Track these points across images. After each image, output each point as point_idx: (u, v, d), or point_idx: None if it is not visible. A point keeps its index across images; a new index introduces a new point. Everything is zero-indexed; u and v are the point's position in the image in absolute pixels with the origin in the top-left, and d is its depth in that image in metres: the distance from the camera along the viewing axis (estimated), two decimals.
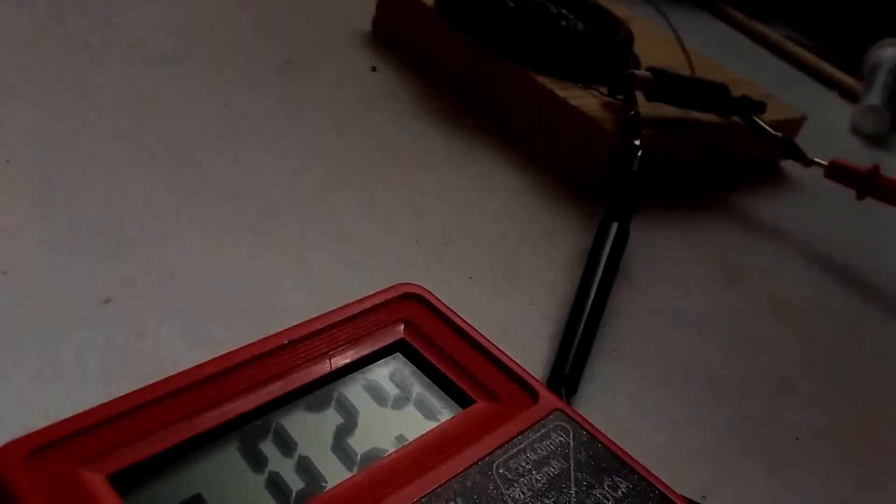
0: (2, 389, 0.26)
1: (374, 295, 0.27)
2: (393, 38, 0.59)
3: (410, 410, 0.24)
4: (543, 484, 0.22)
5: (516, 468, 0.22)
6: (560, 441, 0.23)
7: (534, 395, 0.25)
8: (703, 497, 0.31)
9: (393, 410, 0.24)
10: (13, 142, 0.38)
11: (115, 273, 0.32)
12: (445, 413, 0.24)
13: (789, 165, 0.60)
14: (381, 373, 0.25)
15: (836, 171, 0.51)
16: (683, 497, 0.24)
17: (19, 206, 0.34)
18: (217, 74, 0.48)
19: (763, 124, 0.52)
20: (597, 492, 0.22)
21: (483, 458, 0.22)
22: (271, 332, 0.25)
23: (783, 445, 0.35)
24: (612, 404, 0.34)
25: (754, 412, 0.36)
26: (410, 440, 0.23)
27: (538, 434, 0.23)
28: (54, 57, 0.45)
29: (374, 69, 0.55)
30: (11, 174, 0.36)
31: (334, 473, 0.22)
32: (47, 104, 0.41)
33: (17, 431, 0.20)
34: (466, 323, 0.27)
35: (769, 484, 0.33)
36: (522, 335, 0.36)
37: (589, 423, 0.24)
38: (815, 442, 0.35)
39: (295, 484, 0.21)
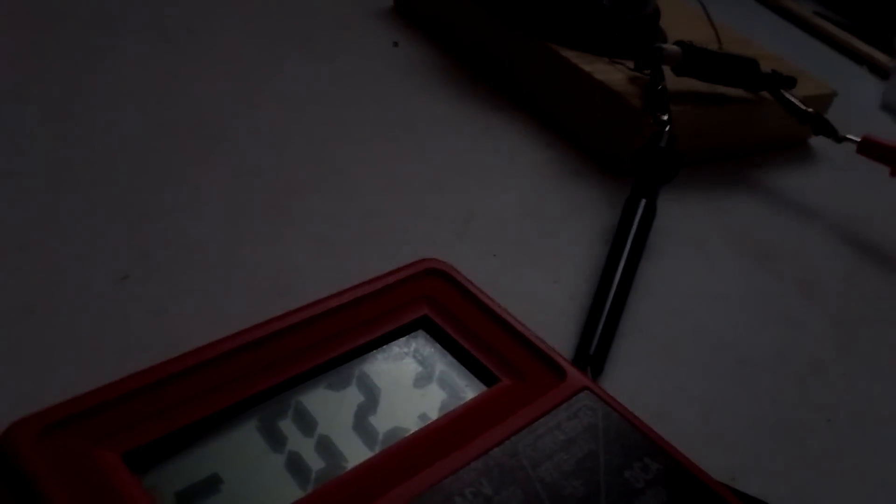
0: (17, 365, 0.26)
1: (396, 270, 0.27)
2: (415, 13, 0.58)
3: (433, 389, 0.24)
4: (571, 465, 0.21)
5: (543, 448, 0.22)
6: (588, 421, 0.23)
7: (561, 374, 0.24)
8: (733, 479, 0.30)
9: (415, 389, 0.24)
10: (32, 117, 0.37)
11: (134, 249, 0.32)
12: (469, 391, 0.24)
13: (818, 141, 0.59)
14: (404, 350, 0.25)
15: (870, 148, 0.50)
16: (715, 479, 0.23)
17: (37, 181, 0.34)
18: (237, 50, 0.48)
19: (793, 99, 0.51)
20: (626, 473, 0.22)
21: (509, 437, 0.22)
22: (291, 309, 0.25)
23: (814, 428, 0.34)
24: (638, 384, 0.33)
25: (784, 393, 0.35)
26: (434, 419, 0.22)
27: (566, 414, 0.23)
28: (72, 33, 0.44)
29: (395, 45, 0.54)
30: (30, 149, 0.35)
31: (355, 453, 0.21)
32: (66, 80, 0.41)
33: (32, 408, 0.20)
34: (491, 299, 0.26)
35: (800, 466, 0.32)
36: (547, 314, 0.35)
37: (618, 402, 0.24)
38: (848, 424, 0.35)
39: (315, 463, 0.21)
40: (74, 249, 0.31)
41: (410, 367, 0.24)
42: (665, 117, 0.44)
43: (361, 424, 0.22)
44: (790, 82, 0.52)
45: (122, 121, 0.39)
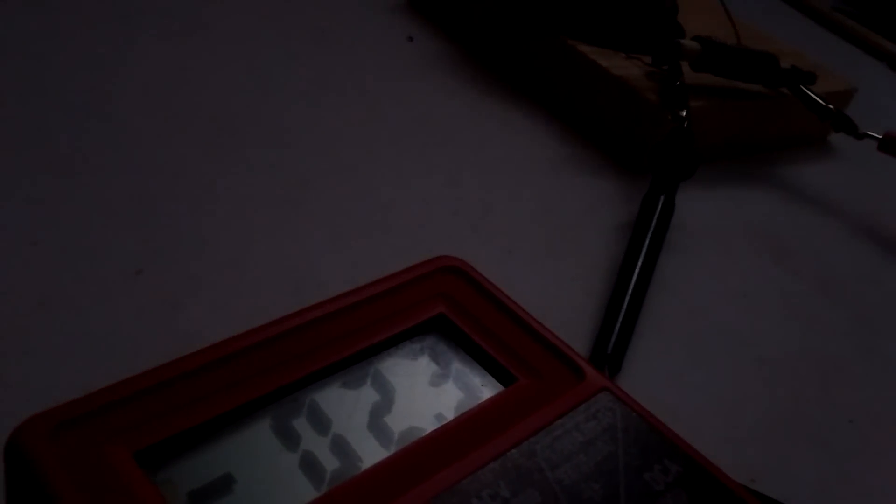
0: (29, 362, 0.26)
1: (412, 268, 0.26)
2: (429, 7, 0.57)
3: (450, 388, 0.23)
4: (590, 467, 0.21)
5: (561, 450, 0.21)
6: (607, 422, 0.22)
7: (579, 374, 0.24)
8: (752, 480, 0.29)
9: (431, 388, 0.23)
10: (45, 112, 0.37)
11: (147, 244, 0.32)
12: (486, 391, 0.23)
13: (837, 138, 0.58)
14: (420, 348, 0.24)
15: (891, 145, 0.49)
16: (735, 481, 0.22)
17: (50, 176, 0.34)
18: (251, 44, 0.47)
19: (813, 95, 0.51)
20: (647, 475, 0.21)
21: (526, 438, 0.21)
22: (306, 306, 0.24)
23: (836, 428, 0.33)
24: (657, 383, 0.33)
25: (805, 393, 0.35)
26: (450, 419, 0.22)
27: (584, 414, 0.22)
28: (84, 27, 0.44)
29: (410, 39, 0.54)
30: (42, 143, 0.35)
31: (371, 453, 0.21)
32: (78, 74, 0.40)
33: (44, 404, 0.19)
34: (508, 297, 0.26)
35: (821, 468, 0.31)
36: (564, 312, 0.34)
37: (637, 403, 0.23)
38: (870, 425, 0.34)
39: (330, 463, 0.20)
40: (87, 244, 0.31)
41: (426, 366, 0.24)
42: (683, 113, 0.43)
43: (377, 424, 0.22)
44: (810, 78, 0.51)
45: (135, 114, 0.39)
